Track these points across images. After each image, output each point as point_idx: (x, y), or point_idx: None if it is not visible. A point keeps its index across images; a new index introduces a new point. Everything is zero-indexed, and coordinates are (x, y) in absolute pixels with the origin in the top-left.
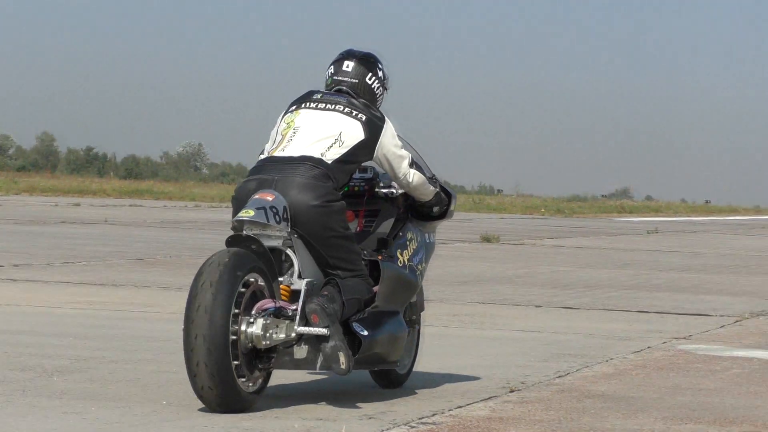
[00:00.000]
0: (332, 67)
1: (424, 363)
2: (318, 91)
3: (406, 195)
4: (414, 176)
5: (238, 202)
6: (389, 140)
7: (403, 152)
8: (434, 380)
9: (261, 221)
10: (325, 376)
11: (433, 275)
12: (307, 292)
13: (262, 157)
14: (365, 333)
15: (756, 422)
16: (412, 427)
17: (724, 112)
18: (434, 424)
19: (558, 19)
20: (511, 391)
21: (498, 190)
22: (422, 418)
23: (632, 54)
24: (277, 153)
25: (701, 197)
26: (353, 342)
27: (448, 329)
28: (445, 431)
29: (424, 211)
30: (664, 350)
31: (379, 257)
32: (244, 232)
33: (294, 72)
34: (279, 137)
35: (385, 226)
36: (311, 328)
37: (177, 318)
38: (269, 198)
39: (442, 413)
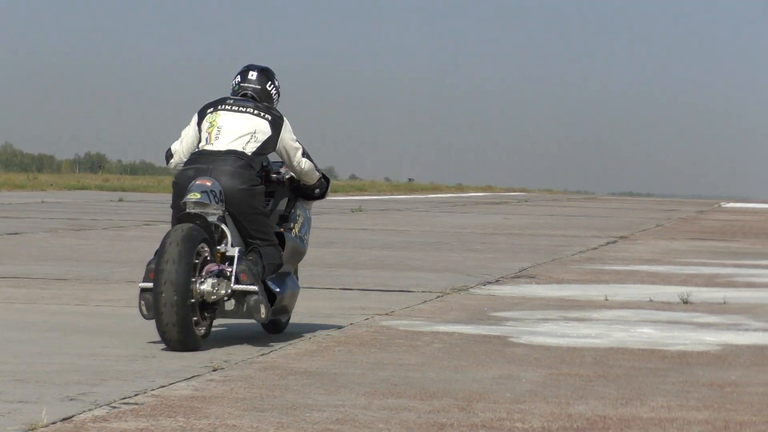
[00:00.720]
0: (238, 76)
1: (129, 344)
2: (229, 97)
3: (291, 179)
4: (305, 164)
5: (179, 186)
6: (288, 135)
7: (297, 145)
8: (137, 360)
9: (205, 202)
10: (8, 362)
11: (137, 256)
12: (239, 258)
13: (187, 149)
14: (278, 290)
15: (457, 395)
16: (115, 407)
17: (425, 93)
18: (137, 404)
19: None
20: (214, 370)
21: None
22: (125, 398)
23: (343, 33)
24: (207, 147)
25: (404, 176)
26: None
27: None
28: (147, 411)
29: (308, 192)
30: (366, 326)
31: (281, 229)
32: (191, 210)
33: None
34: (206, 134)
35: (282, 205)
36: (243, 286)
37: None
38: (208, 183)
39: (145, 393)
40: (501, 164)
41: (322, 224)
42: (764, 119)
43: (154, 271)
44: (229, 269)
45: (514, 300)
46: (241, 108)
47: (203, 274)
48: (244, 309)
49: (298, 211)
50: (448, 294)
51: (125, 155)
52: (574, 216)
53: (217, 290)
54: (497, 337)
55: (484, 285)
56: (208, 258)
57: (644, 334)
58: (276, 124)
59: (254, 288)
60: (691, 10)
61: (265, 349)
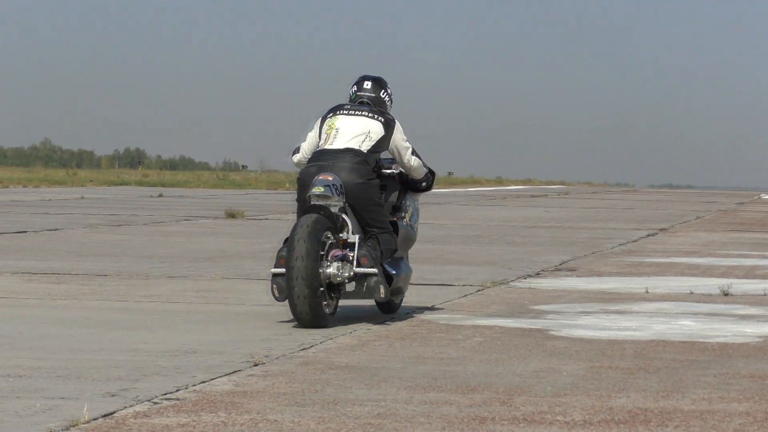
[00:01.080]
0: (355, 86)
1: (168, 340)
2: (347, 103)
3: (401, 173)
4: (414, 161)
5: (303, 182)
6: (399, 136)
7: (407, 144)
8: (178, 356)
9: (328, 194)
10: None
11: (177, 252)
12: (359, 244)
13: (311, 148)
14: (394, 272)
15: (497, 389)
16: (156, 403)
17: (462, 86)
18: (178, 399)
19: None
20: (255, 365)
21: (243, 166)
22: (166, 393)
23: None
24: (327, 146)
25: (444, 169)
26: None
27: (192, 305)
28: (189, 406)
29: (416, 185)
30: (407, 321)
31: (395, 218)
32: (317, 203)
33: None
34: (325, 135)
35: (393, 196)
36: (364, 269)
37: None
38: (330, 178)
39: (186, 388)
40: (541, 157)
41: None
42: None
43: (285, 266)
44: (351, 254)
45: (554, 293)
46: (356, 112)
47: (329, 258)
48: (364, 290)
49: (408, 202)
50: (488, 287)
51: (165, 151)
52: (614, 208)
53: (341, 273)
54: (538, 330)
55: (524, 278)
56: (333, 244)
57: (685, 327)
58: (388, 126)
59: (374, 270)
60: None
61: (306, 344)
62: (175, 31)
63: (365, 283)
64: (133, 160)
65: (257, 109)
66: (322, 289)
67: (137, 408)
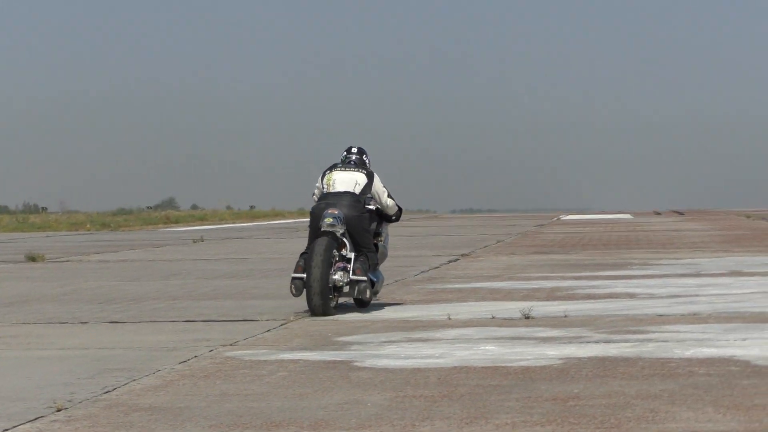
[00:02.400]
0: (345, 152)
1: None
2: (339, 163)
3: (377, 209)
4: (389, 202)
5: (315, 214)
6: (378, 183)
7: (384, 189)
8: None
9: (335, 224)
10: None
11: None
12: (354, 259)
13: (320, 192)
14: (375, 279)
15: (302, 423)
16: None
17: (253, 121)
18: None
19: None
20: (58, 410)
21: (42, 208)
22: None
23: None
24: (331, 190)
25: (246, 203)
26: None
27: None
28: None
29: (389, 218)
30: (210, 358)
31: (376, 241)
32: (327, 229)
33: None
34: (326, 185)
35: (373, 225)
36: (357, 277)
37: None
38: (336, 212)
39: None
40: None
41: (164, 256)
42: (599, 130)
43: (306, 272)
44: (349, 266)
45: (358, 323)
46: (347, 169)
47: (334, 269)
48: (356, 292)
49: (383, 229)
50: (292, 321)
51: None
52: (417, 236)
53: (342, 279)
54: (342, 362)
55: None
56: (337, 259)
57: (487, 352)
58: (369, 177)
59: (364, 279)
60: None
61: (108, 387)
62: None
63: (357, 287)
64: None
65: (56, 150)
66: (331, 286)
67: None
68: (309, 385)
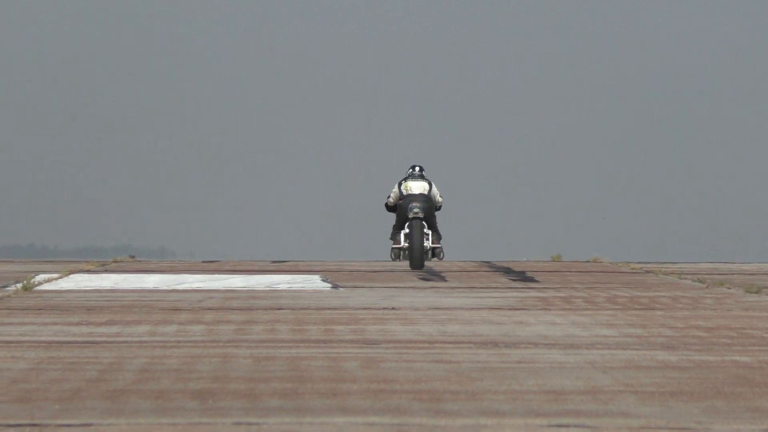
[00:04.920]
0: (410, 169)
1: None
2: (410, 174)
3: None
4: (441, 198)
5: (402, 208)
6: (435, 189)
7: (437, 191)
8: None
9: (419, 213)
10: None
11: None
12: (431, 233)
13: (395, 195)
14: (440, 246)
15: None
16: None
17: None
18: None
19: None
20: None
21: None
22: None
23: None
24: (410, 192)
25: None
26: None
27: None
28: None
29: (439, 208)
30: None
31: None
32: (414, 216)
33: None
34: (405, 190)
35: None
36: (436, 245)
37: None
38: (419, 204)
39: None
40: None
41: None
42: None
43: (409, 241)
44: (429, 237)
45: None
46: (417, 179)
47: (425, 239)
48: (433, 254)
49: (436, 215)
50: None
51: None
52: None
53: (428, 246)
54: None
55: None
56: (425, 233)
57: None
58: (431, 185)
59: (439, 245)
60: None
61: None
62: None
63: (435, 250)
64: None
65: None
66: (426, 248)
67: None
68: None
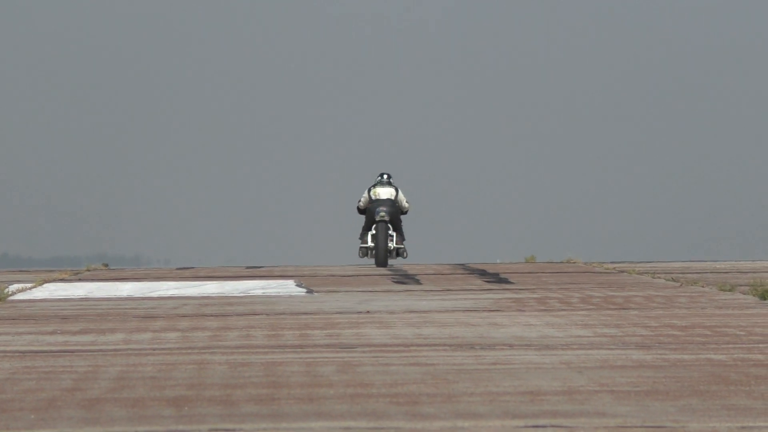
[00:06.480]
0: (379, 176)
1: None
2: (379, 181)
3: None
4: (407, 203)
5: (371, 211)
6: (401, 195)
7: (404, 197)
8: None
9: (385, 217)
10: None
11: None
12: (395, 235)
13: (365, 199)
14: (403, 247)
15: None
16: None
17: None
18: None
19: None
20: None
21: None
22: None
23: None
24: (378, 197)
25: None
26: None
27: None
28: None
29: (405, 212)
30: None
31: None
32: (381, 219)
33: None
34: (373, 194)
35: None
36: (399, 245)
37: None
38: (385, 208)
39: None
40: None
41: None
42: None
43: (375, 241)
44: (394, 238)
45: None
46: (385, 185)
47: (389, 240)
48: (397, 254)
49: (401, 218)
50: None
51: None
52: None
53: (391, 246)
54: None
55: None
56: (389, 234)
57: None
58: (397, 191)
59: (403, 246)
60: None
61: None
62: None
63: (398, 250)
64: None
65: None
66: (390, 249)
67: None
68: None
